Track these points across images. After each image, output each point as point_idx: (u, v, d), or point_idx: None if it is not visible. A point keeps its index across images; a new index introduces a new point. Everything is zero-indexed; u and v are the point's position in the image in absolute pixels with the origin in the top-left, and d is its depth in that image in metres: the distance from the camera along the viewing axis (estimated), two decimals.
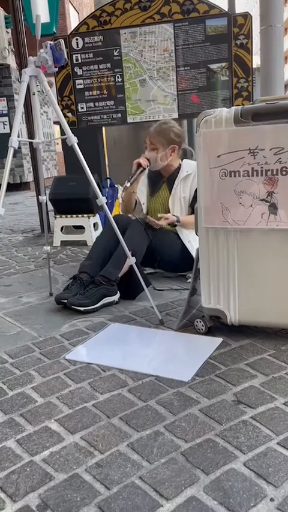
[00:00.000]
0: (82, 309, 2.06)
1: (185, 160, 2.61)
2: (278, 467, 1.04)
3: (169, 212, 2.53)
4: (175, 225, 2.49)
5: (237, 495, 0.97)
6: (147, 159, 2.45)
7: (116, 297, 2.17)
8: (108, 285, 2.13)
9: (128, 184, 2.39)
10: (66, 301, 2.10)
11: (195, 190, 2.40)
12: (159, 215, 2.47)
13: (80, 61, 3.78)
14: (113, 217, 2.23)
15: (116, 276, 2.17)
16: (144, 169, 2.45)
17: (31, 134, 4.17)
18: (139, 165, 2.42)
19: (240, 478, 1.01)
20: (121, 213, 2.75)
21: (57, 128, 13.17)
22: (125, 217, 2.46)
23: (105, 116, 3.84)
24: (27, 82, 1.81)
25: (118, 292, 2.18)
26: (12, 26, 4.23)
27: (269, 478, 1.01)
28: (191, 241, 2.42)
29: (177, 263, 2.47)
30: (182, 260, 2.42)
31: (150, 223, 2.38)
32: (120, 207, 2.68)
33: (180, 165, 2.59)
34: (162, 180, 2.62)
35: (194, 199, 2.45)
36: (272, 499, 0.95)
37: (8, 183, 1.73)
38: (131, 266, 2.01)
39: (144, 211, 2.61)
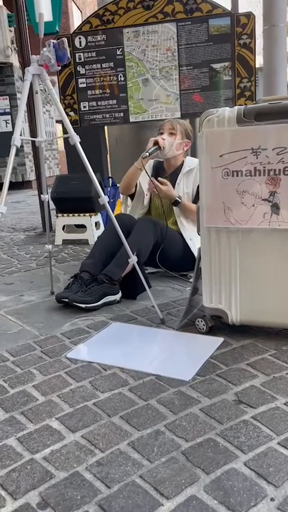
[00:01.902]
0: (83, 306, 2.06)
1: (187, 157, 2.63)
2: (278, 467, 1.04)
3: (171, 209, 2.54)
4: (176, 203, 2.47)
5: (238, 495, 0.97)
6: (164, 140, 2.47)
7: (118, 296, 2.17)
8: (110, 284, 2.13)
9: (147, 154, 2.38)
10: (67, 299, 2.10)
11: (198, 186, 2.41)
12: (160, 178, 2.46)
13: (82, 60, 3.78)
14: (116, 216, 2.23)
15: (119, 276, 2.17)
16: (160, 148, 2.44)
17: (33, 133, 4.17)
18: (156, 142, 2.43)
19: (241, 478, 1.01)
20: (119, 189, 2.76)
21: (59, 126, 13.17)
22: (128, 217, 2.46)
23: (107, 115, 3.84)
24: (30, 81, 1.81)
25: (120, 291, 2.19)
26: (15, 24, 4.23)
27: (270, 478, 1.01)
28: (193, 239, 2.42)
29: (179, 262, 2.47)
30: (184, 259, 2.42)
31: (150, 187, 2.41)
32: (121, 184, 2.67)
33: (183, 161, 2.60)
34: (164, 175, 2.63)
35: (197, 195, 2.46)
36: (272, 499, 0.95)
37: (10, 182, 1.73)
38: (134, 266, 2.01)
39: (146, 203, 2.61)
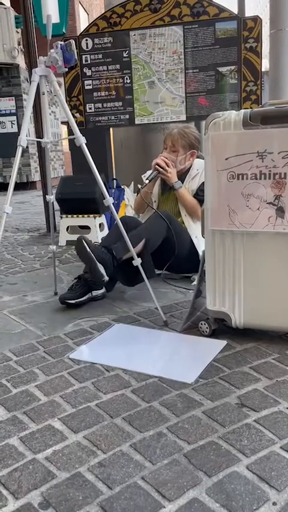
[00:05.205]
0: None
1: (196, 159, 2.62)
2: (281, 471, 1.04)
3: (179, 212, 2.55)
4: (174, 189, 2.51)
5: (240, 498, 0.96)
6: (165, 159, 2.49)
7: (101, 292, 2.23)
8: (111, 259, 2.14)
9: (147, 181, 2.42)
10: (70, 301, 2.11)
11: (202, 183, 2.42)
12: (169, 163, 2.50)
13: (89, 62, 3.79)
14: (121, 218, 2.24)
15: (121, 256, 2.15)
16: (159, 172, 2.49)
17: (39, 134, 4.18)
18: (158, 166, 2.47)
19: (243, 481, 1.01)
20: (133, 211, 2.80)
21: (64, 128, 13.21)
22: (132, 219, 2.46)
23: (113, 117, 3.84)
24: (38, 82, 1.82)
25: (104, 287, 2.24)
26: (23, 26, 4.25)
27: (272, 482, 1.00)
28: (198, 236, 2.42)
29: (184, 262, 2.46)
30: (189, 259, 2.41)
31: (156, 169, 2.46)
32: (133, 205, 2.71)
33: (191, 165, 2.60)
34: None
35: (201, 191, 2.47)
36: (274, 503, 0.95)
37: (15, 182, 1.74)
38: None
39: (155, 207, 2.63)
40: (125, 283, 2.27)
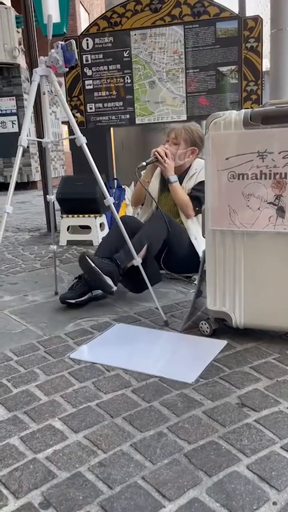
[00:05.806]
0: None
1: (196, 160, 2.62)
2: (281, 471, 1.04)
3: (178, 212, 2.55)
4: (169, 182, 2.52)
5: (240, 498, 0.96)
6: (166, 150, 2.49)
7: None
8: (117, 268, 2.15)
9: (144, 163, 2.42)
10: (70, 301, 2.12)
11: (198, 182, 2.43)
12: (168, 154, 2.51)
13: (89, 62, 3.79)
14: (121, 218, 2.24)
15: (125, 265, 2.16)
16: (158, 159, 2.49)
17: (40, 134, 4.18)
18: (157, 154, 2.48)
19: (243, 481, 1.01)
20: (131, 203, 2.79)
21: (65, 127, 13.22)
22: (132, 219, 2.46)
23: (113, 117, 3.85)
24: (38, 82, 1.82)
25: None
26: (23, 25, 4.25)
27: (272, 482, 1.01)
28: (198, 238, 2.42)
29: (183, 262, 2.46)
30: (189, 259, 2.41)
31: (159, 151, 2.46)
32: (131, 197, 2.70)
33: (190, 165, 2.60)
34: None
35: (194, 190, 2.49)
36: (274, 503, 0.95)
37: (16, 182, 1.74)
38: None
39: (154, 207, 2.63)
40: (133, 291, 2.26)
